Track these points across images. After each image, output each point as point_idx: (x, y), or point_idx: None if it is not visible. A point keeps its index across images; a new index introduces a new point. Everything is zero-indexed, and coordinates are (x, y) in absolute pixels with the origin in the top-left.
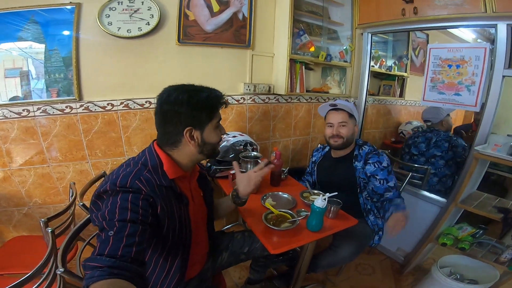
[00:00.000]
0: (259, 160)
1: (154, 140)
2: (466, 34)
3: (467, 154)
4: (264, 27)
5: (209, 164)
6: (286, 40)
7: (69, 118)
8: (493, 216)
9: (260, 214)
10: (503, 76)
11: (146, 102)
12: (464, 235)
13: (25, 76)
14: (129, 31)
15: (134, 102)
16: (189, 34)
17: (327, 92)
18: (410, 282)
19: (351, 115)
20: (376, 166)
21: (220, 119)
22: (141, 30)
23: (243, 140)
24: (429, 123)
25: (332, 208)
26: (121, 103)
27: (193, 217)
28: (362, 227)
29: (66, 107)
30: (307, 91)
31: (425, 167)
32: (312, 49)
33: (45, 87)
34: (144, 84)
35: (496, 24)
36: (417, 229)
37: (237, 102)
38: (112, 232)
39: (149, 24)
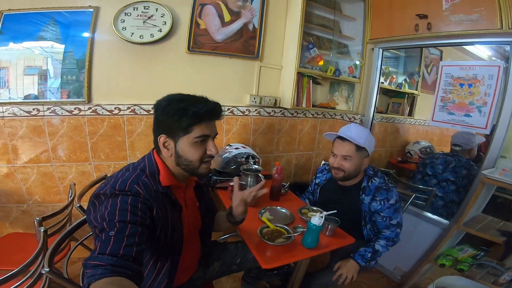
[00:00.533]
0: (259, 174)
1: (153, 148)
2: (482, 51)
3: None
4: (274, 39)
5: (210, 174)
6: (295, 53)
7: (77, 119)
8: (495, 239)
9: (256, 228)
10: None
11: (152, 108)
12: (464, 257)
13: (43, 75)
14: (141, 37)
15: (141, 108)
16: (199, 42)
17: (334, 108)
18: None
19: (359, 148)
20: (382, 203)
21: (205, 135)
22: (153, 36)
23: (245, 153)
24: (458, 148)
25: (330, 226)
26: (128, 108)
27: (186, 224)
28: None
29: (75, 108)
30: (313, 106)
31: (430, 188)
32: (321, 63)
33: (60, 87)
34: (151, 90)
35: None
36: (417, 249)
37: (242, 114)
38: (113, 232)
39: (161, 31)
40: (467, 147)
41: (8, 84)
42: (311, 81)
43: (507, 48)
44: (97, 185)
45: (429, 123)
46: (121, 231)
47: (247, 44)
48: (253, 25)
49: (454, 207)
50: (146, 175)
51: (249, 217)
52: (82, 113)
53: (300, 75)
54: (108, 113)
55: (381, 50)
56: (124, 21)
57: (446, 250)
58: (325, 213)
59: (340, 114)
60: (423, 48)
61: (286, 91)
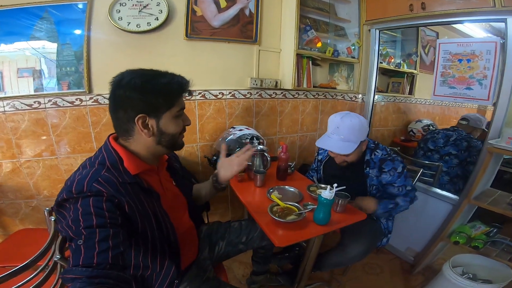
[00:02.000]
0: (265, 153)
1: (110, 134)
2: (476, 32)
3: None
4: (271, 23)
5: (214, 157)
6: (293, 35)
7: (79, 110)
8: (508, 213)
9: (265, 207)
10: None
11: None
12: (477, 234)
13: (37, 75)
14: (138, 26)
15: None
16: (196, 29)
17: (335, 88)
18: (420, 282)
19: None
20: (392, 174)
21: (183, 108)
22: (150, 25)
23: (249, 134)
24: (465, 122)
25: (340, 201)
26: None
27: (170, 209)
28: (372, 225)
29: (76, 99)
30: (314, 86)
31: (437, 163)
32: (319, 44)
33: (56, 86)
34: None
35: (506, 19)
36: (428, 228)
37: (243, 97)
38: (81, 240)
39: (157, 19)
40: (473, 123)
41: (3, 87)
42: (310, 62)
43: (502, 25)
44: None
45: (431, 98)
46: (89, 238)
47: (244, 29)
48: (249, 10)
49: (460, 182)
50: (107, 168)
51: (258, 197)
52: (83, 103)
53: (299, 57)
54: None
55: (377, 31)
56: (119, 11)
57: (458, 227)
58: (335, 185)
59: (341, 94)
60: (419, 29)
61: (286, 73)
